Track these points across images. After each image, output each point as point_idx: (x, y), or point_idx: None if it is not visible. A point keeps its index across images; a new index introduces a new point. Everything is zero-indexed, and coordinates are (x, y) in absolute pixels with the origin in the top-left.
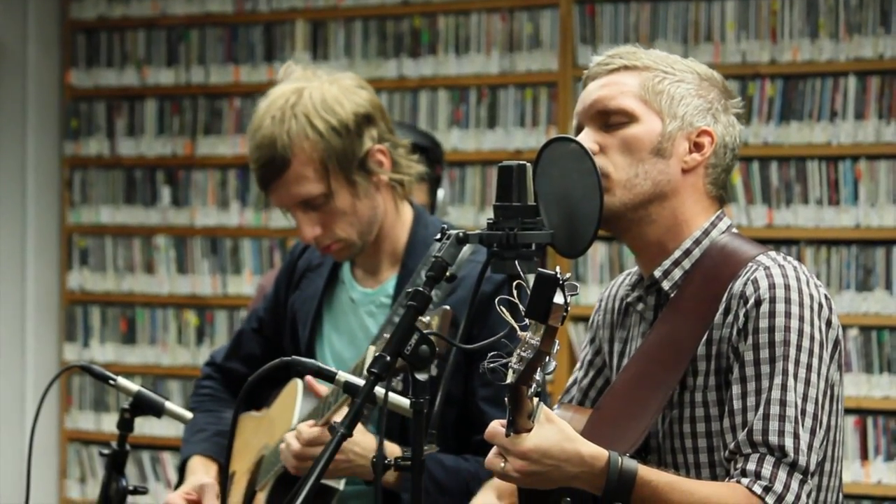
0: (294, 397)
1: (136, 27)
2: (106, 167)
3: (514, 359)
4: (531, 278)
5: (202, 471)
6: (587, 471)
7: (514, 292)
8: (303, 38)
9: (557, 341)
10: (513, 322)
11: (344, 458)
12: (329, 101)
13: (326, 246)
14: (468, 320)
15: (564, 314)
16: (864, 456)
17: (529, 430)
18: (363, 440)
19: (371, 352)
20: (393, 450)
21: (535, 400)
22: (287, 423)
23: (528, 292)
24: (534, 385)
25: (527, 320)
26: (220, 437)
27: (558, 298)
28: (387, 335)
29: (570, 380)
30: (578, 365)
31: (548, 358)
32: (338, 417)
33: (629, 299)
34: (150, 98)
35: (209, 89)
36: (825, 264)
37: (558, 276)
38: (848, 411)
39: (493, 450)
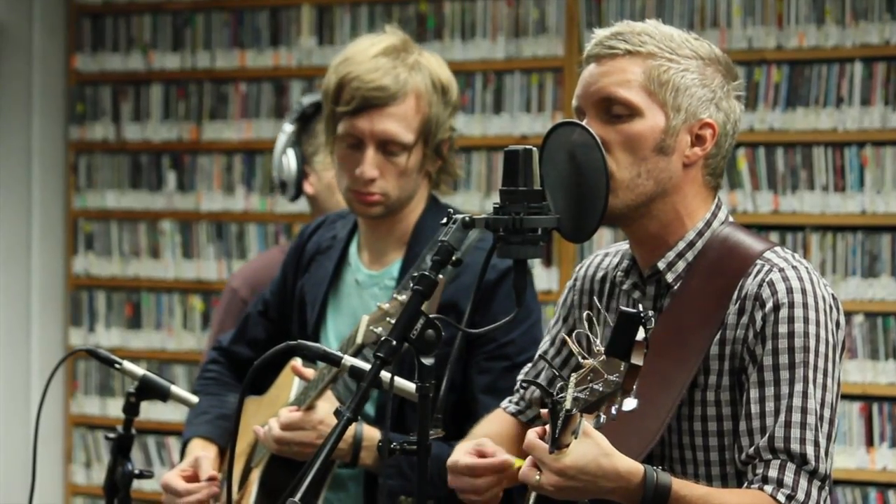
0: (292, 376)
1: (142, 12)
2: (111, 152)
3: (580, 386)
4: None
5: (200, 451)
6: (623, 486)
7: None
8: (308, 22)
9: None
10: (578, 349)
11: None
12: (445, 73)
13: (369, 193)
14: (472, 307)
15: (646, 350)
16: (869, 442)
17: (569, 445)
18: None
19: (364, 322)
20: (372, 434)
21: (579, 417)
22: (284, 402)
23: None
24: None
25: (602, 352)
26: (222, 420)
27: (640, 336)
28: (383, 306)
29: (537, 354)
30: (548, 339)
31: (628, 396)
32: (320, 401)
33: (624, 287)
34: (156, 83)
35: (215, 74)
36: (831, 250)
37: (641, 314)
38: (853, 398)
39: (529, 460)
